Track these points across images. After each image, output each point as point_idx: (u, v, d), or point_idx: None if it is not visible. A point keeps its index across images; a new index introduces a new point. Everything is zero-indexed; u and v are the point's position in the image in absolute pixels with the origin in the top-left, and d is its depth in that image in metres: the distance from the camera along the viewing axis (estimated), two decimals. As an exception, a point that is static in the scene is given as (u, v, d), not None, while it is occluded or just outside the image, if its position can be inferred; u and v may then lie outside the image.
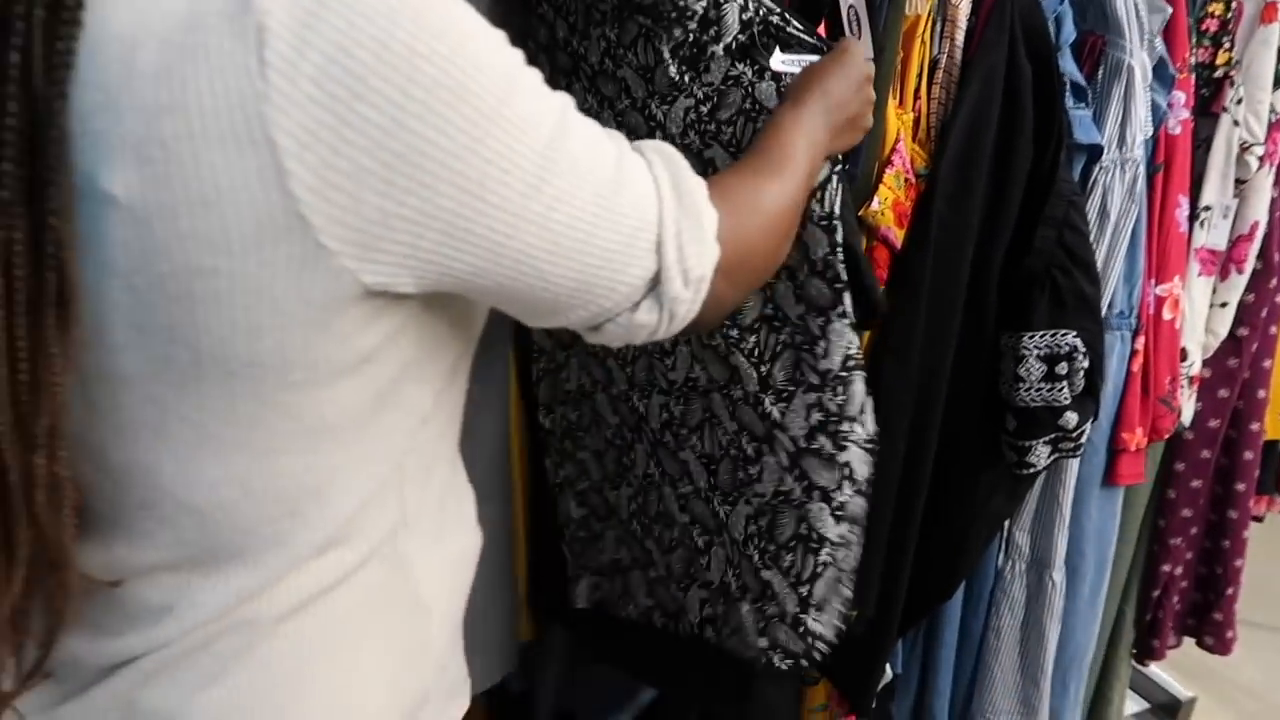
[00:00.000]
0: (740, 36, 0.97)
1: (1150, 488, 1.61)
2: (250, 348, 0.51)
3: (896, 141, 1.23)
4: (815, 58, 0.95)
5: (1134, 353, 1.39)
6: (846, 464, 1.02)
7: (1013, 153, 1.24)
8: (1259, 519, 1.89)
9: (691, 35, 0.97)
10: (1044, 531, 1.43)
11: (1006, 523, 1.45)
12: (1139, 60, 1.26)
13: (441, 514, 0.69)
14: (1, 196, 0.44)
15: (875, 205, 1.22)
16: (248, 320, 0.50)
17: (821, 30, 1.13)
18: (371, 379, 0.57)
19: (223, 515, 0.56)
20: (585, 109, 1.12)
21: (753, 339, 1.06)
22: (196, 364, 0.51)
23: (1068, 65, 1.27)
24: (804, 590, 1.05)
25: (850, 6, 1.13)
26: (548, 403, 1.23)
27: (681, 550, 1.17)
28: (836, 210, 0.97)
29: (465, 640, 1.24)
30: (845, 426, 1.01)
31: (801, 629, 1.06)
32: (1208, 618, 1.73)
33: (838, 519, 1.04)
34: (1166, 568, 1.66)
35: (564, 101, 0.57)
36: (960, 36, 1.26)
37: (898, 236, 1.25)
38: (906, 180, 1.24)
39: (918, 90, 1.28)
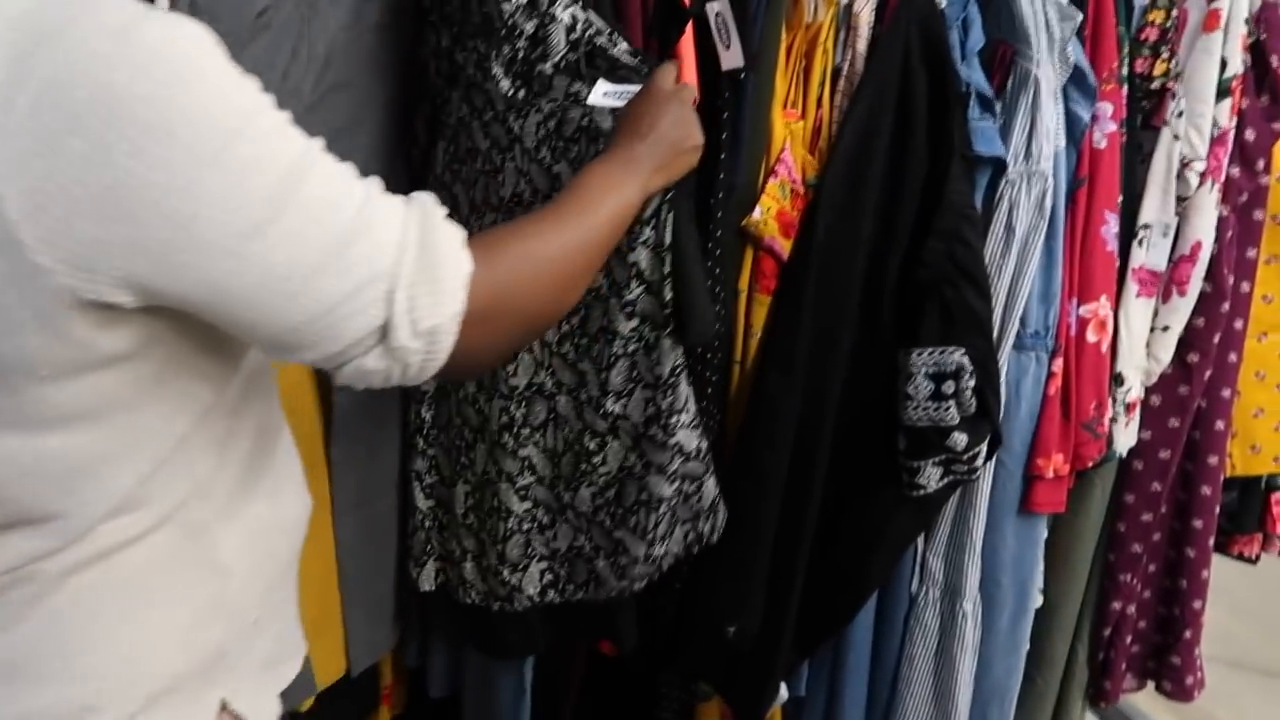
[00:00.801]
0: (570, 56, 0.99)
1: (1100, 520, 1.53)
2: None
3: (782, 150, 1.21)
4: (636, 88, 0.97)
5: (1051, 375, 1.32)
6: (676, 444, 1.14)
7: (905, 163, 1.21)
8: (1253, 560, 1.78)
9: (521, 52, 0.99)
10: (955, 558, 1.38)
11: (920, 547, 1.41)
12: (1045, 71, 1.21)
13: (244, 486, 0.74)
14: None
15: (757, 215, 1.21)
16: None
17: (689, 37, 1.12)
18: (129, 373, 0.61)
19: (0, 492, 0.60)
20: (460, 118, 1.15)
21: (596, 348, 1.10)
22: None
23: (974, 75, 1.23)
24: (649, 535, 1.17)
25: (718, 14, 1.12)
26: (404, 400, 1.27)
27: (519, 536, 1.22)
28: (667, 239, 0.99)
29: (354, 613, 1.29)
30: (673, 419, 1.12)
31: (650, 559, 1.19)
32: (1166, 661, 1.63)
33: (671, 481, 1.16)
34: (1117, 605, 1.58)
35: (307, 147, 0.60)
36: (862, 45, 1.23)
37: (784, 247, 1.23)
38: (793, 190, 1.22)
39: (820, 100, 1.26)
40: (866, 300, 1.25)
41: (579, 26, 0.99)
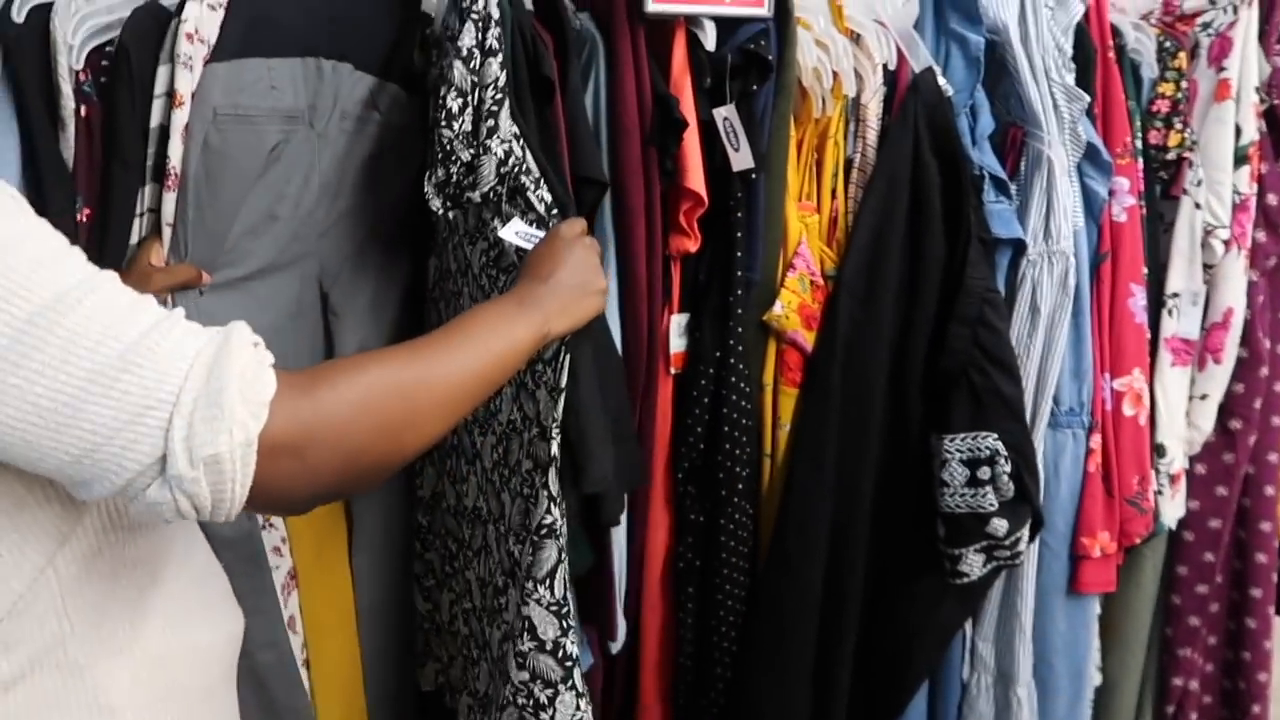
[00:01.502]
0: (498, 188, 1.00)
1: (1153, 594, 1.49)
2: None
3: (799, 244, 1.22)
4: (542, 234, 0.97)
5: (1090, 451, 1.30)
6: (527, 618, 1.03)
7: (922, 250, 1.21)
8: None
9: (455, 177, 1.00)
10: (1005, 643, 1.34)
11: (969, 633, 1.37)
12: (1057, 151, 1.21)
13: (135, 620, 0.70)
14: None
15: (778, 309, 1.21)
16: None
17: (695, 138, 1.13)
18: None
19: None
20: (444, 238, 1.16)
21: (514, 481, 1.08)
22: None
23: (986, 158, 1.24)
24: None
25: (725, 119, 1.14)
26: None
27: (460, 659, 1.21)
28: (562, 382, 0.98)
29: (378, 716, 1.27)
30: (530, 585, 1.02)
31: None
32: (1235, 738, 1.56)
33: (519, 665, 1.04)
34: (1179, 681, 1.52)
35: (83, 278, 0.58)
36: (872, 136, 1.24)
37: (807, 339, 1.23)
38: (813, 283, 1.23)
39: (834, 191, 1.26)
40: (893, 388, 1.24)
41: (510, 161, 0.99)
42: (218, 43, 1.02)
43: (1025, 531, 1.21)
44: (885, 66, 1.22)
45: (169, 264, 1.04)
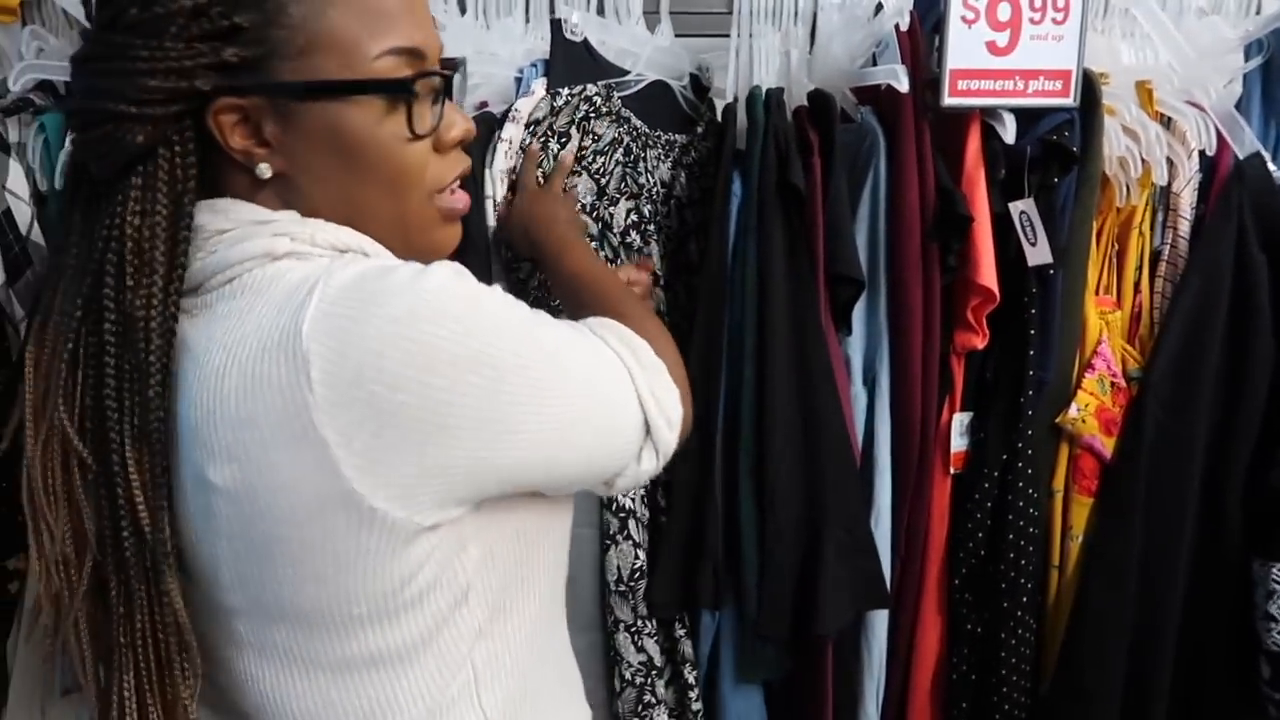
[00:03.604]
0: None
1: None
2: (317, 592, 0.62)
3: (1099, 343, 1.14)
4: None
5: None
6: None
7: (1247, 354, 1.09)
8: None
9: None
10: (1342, 809, 1.15)
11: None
12: None
13: (534, 708, 0.74)
14: (133, 589, 0.62)
15: (1074, 412, 1.13)
16: (314, 571, 0.61)
17: (986, 233, 1.09)
18: (427, 612, 0.65)
19: None
20: None
21: None
22: (279, 603, 0.63)
23: (1326, 253, 1.10)
24: None
25: (1022, 213, 1.09)
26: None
27: None
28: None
29: None
30: None
31: None
32: None
33: None
34: None
35: (540, 319, 0.66)
36: (1185, 227, 1.15)
37: (1105, 446, 1.13)
38: (1114, 385, 1.14)
39: (1138, 284, 1.18)
40: (1207, 505, 1.12)
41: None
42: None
43: (1374, 683, 1.05)
44: (1202, 153, 1.13)
45: None
